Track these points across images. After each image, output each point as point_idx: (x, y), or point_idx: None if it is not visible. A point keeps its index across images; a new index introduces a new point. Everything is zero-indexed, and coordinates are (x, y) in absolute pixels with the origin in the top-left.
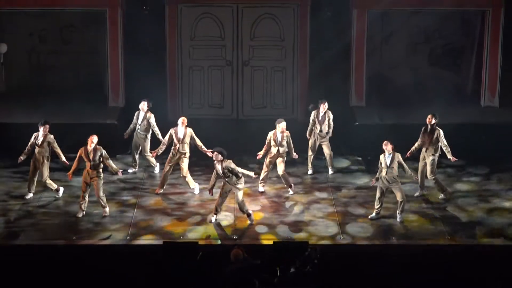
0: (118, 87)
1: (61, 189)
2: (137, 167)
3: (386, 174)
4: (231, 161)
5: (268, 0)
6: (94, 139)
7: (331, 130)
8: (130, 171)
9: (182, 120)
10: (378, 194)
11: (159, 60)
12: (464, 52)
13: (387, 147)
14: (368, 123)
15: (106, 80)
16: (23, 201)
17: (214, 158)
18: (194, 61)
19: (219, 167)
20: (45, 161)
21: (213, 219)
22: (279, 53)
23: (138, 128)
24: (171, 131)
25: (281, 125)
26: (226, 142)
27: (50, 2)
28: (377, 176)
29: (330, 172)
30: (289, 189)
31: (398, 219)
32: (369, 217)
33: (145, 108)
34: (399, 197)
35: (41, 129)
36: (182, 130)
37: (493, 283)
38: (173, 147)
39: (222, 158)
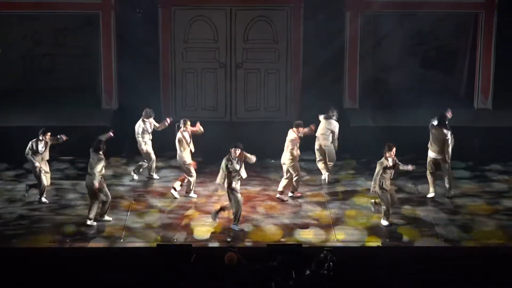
0: (112, 90)
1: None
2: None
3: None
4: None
5: (262, 2)
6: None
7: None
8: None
9: (188, 123)
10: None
11: (152, 62)
12: (458, 55)
13: (393, 151)
14: (362, 125)
15: (100, 82)
16: (19, 204)
17: (236, 155)
18: (187, 64)
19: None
20: (47, 164)
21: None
22: (273, 55)
23: (148, 138)
24: (181, 136)
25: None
26: (219, 145)
27: (43, 5)
28: (376, 184)
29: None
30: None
31: (385, 223)
32: (384, 224)
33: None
34: (394, 201)
35: (42, 138)
36: (187, 133)
37: (488, 285)
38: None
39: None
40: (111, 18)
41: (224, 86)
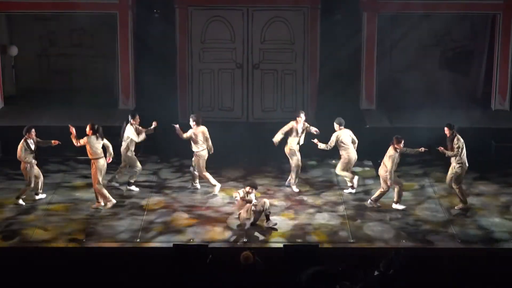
0: (128, 90)
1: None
2: None
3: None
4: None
5: (279, 3)
6: None
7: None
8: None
9: (137, 117)
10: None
11: (169, 63)
12: (475, 55)
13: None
14: (378, 126)
15: (116, 83)
16: (33, 203)
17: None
18: (204, 64)
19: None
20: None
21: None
22: (290, 56)
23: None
24: (133, 131)
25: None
26: (236, 145)
27: (60, 6)
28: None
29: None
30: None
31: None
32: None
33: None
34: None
35: (28, 136)
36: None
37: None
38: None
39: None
40: (128, 18)
41: (240, 87)
